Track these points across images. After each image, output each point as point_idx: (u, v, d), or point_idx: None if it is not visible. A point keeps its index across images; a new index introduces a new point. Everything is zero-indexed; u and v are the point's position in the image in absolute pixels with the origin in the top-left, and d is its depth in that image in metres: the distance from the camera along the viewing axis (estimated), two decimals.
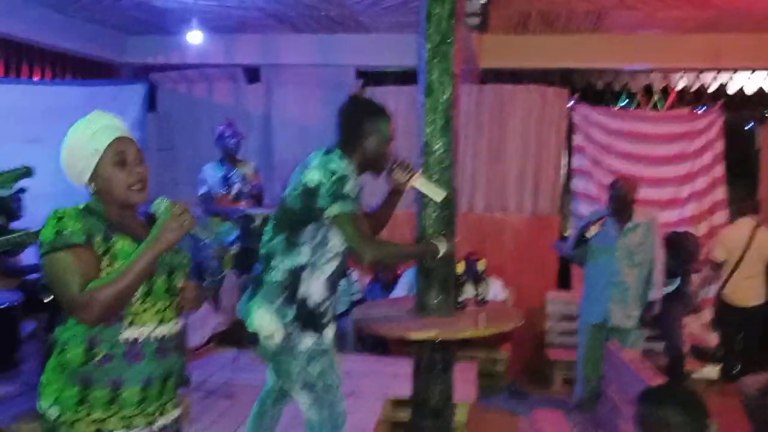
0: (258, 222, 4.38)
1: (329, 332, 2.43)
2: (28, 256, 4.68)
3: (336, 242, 2.38)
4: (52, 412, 1.66)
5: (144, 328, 1.71)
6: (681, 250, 4.23)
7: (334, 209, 2.28)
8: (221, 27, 5.71)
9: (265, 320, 2.35)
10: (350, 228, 2.31)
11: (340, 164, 2.35)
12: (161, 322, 1.74)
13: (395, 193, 2.68)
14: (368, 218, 2.66)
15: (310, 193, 2.31)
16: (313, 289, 2.36)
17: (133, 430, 1.70)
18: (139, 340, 1.69)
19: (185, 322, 1.89)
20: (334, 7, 5.00)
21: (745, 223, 5.07)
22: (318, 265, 2.36)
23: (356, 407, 3.71)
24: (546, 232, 5.82)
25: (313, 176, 2.32)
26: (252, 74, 6.32)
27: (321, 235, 2.35)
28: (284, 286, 2.35)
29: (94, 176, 1.71)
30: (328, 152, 2.42)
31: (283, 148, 6.06)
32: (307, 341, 2.36)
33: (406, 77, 5.87)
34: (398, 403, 3.99)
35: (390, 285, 5.43)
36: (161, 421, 1.77)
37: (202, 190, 4.95)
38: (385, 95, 5.69)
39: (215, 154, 5.13)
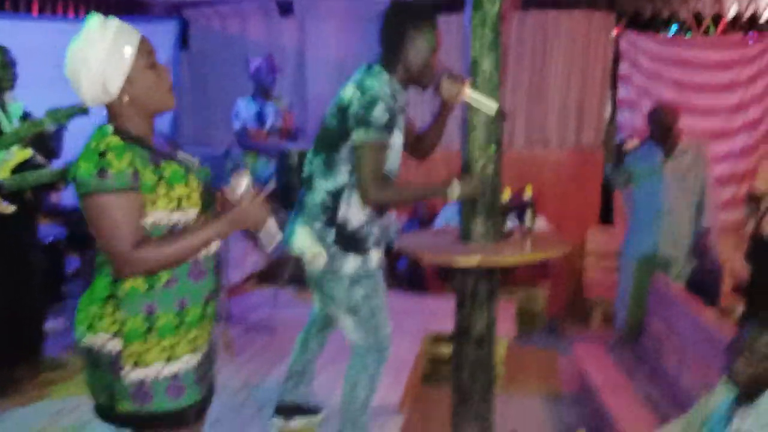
0: (294, 158, 4.33)
1: (374, 256, 2.38)
2: (69, 195, 4.76)
3: None
4: (113, 346, 1.56)
5: None
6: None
7: (358, 135, 2.19)
8: None
9: (307, 242, 2.33)
10: (363, 161, 2.21)
11: (377, 82, 2.24)
12: None
13: (445, 108, 2.51)
14: (419, 137, 2.58)
15: (343, 111, 2.23)
16: (353, 212, 2.31)
17: (198, 351, 1.67)
18: (201, 256, 1.63)
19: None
20: None
21: None
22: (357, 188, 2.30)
23: (395, 342, 3.69)
24: (589, 166, 5.65)
25: (347, 93, 2.24)
26: (286, 8, 6.17)
27: None
28: (324, 207, 2.31)
29: (127, 84, 1.55)
30: (369, 67, 2.32)
31: (317, 84, 5.94)
32: (350, 264, 2.33)
33: (451, 5, 5.64)
34: (437, 339, 4.00)
35: (428, 221, 5.39)
36: (207, 346, 1.76)
37: (237, 125, 4.90)
38: None
39: (249, 89, 5.06)
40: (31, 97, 3.52)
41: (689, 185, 3.93)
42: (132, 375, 1.57)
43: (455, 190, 2.39)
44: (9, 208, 3.11)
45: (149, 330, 1.57)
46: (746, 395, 1.87)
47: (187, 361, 1.63)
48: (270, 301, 4.54)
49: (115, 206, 1.48)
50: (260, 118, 4.89)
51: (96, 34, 1.53)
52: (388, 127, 2.23)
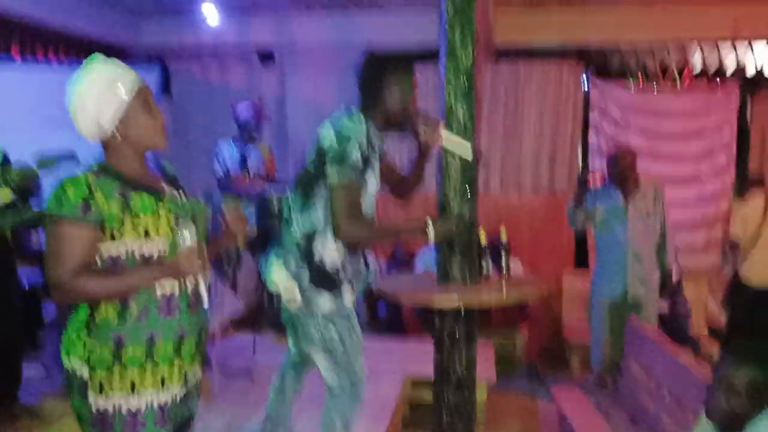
0: (274, 203, 4.37)
1: (348, 296, 2.41)
2: None
3: None
4: (83, 372, 1.63)
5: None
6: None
7: (332, 175, 2.24)
8: (234, 7, 5.68)
9: (283, 281, 2.35)
10: (337, 199, 2.24)
11: (352, 125, 2.29)
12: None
13: (423, 151, 2.57)
14: (400, 181, 2.64)
15: (320, 151, 2.29)
16: (328, 252, 2.34)
17: (168, 387, 1.68)
18: (175, 294, 1.68)
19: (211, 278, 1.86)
20: None
21: (755, 198, 4.94)
22: (332, 230, 2.33)
23: (375, 386, 3.70)
24: (562, 211, 5.70)
25: (325, 133, 2.29)
26: (266, 57, 6.30)
27: None
28: (299, 247, 2.34)
29: (120, 124, 1.66)
30: (348, 110, 2.38)
31: (297, 130, 6.04)
32: (325, 303, 2.35)
33: (422, 57, 5.82)
34: (417, 383, 3.99)
35: (407, 263, 5.43)
36: (193, 380, 1.77)
37: (219, 169, 4.93)
38: None
39: (230, 134, 5.12)
40: (11, 139, 3.53)
41: (652, 225, 4.04)
42: (97, 403, 1.63)
43: (429, 230, 2.42)
44: None
45: (115, 360, 1.62)
46: None
47: (151, 398, 1.65)
48: (249, 347, 4.50)
49: (59, 233, 1.59)
50: (242, 161, 4.94)
51: (95, 74, 1.66)
52: (363, 169, 2.29)
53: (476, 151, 2.66)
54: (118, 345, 1.62)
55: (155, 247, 1.65)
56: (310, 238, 2.33)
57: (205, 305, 1.72)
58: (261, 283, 4.88)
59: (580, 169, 5.95)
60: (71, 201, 1.58)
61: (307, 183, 2.34)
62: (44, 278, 1.67)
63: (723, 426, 1.87)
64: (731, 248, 5.09)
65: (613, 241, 4.11)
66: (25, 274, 4.03)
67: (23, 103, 4.87)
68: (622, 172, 4.05)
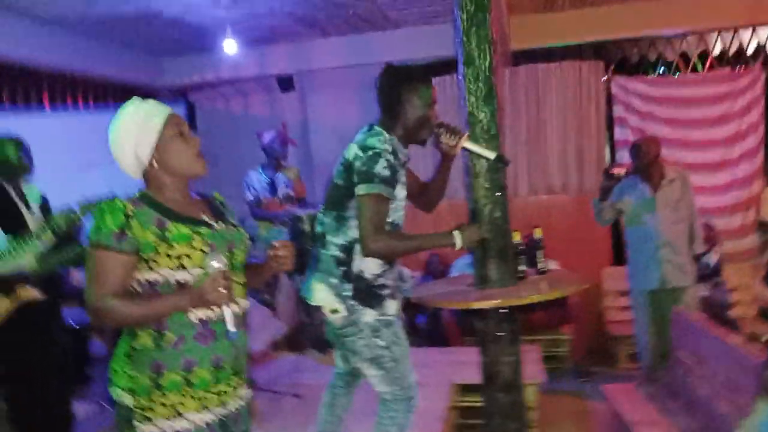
0: (306, 222, 4.43)
1: (392, 305, 2.42)
2: None
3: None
4: (127, 400, 1.67)
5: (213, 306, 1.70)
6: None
7: (359, 189, 2.26)
8: (253, 39, 5.82)
9: (327, 296, 2.37)
10: (363, 212, 2.26)
11: (377, 140, 2.32)
12: (239, 295, 1.76)
13: (446, 159, 2.60)
14: (423, 189, 2.65)
15: (349, 168, 2.32)
16: (366, 264, 2.36)
17: (209, 410, 1.71)
18: (211, 320, 1.70)
19: (250, 303, 1.89)
20: (362, 4, 5.05)
21: None
22: None
23: (422, 396, 3.68)
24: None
25: (351, 152, 2.33)
26: (286, 83, 6.42)
27: None
28: (338, 262, 2.36)
29: (156, 152, 1.73)
30: (370, 128, 2.41)
31: (321, 152, 6.13)
32: (369, 314, 2.36)
33: (438, 68, 5.89)
34: (465, 388, 3.97)
35: (442, 275, 5.42)
36: (234, 403, 1.78)
37: (250, 196, 5.03)
38: None
39: (257, 161, 5.21)
40: (48, 185, 3.65)
41: (681, 214, 3.98)
42: (143, 429, 1.66)
43: (456, 239, 2.41)
44: (38, 295, 3.18)
45: (155, 387, 1.66)
46: None
47: (196, 420, 1.68)
48: (293, 367, 4.53)
49: (96, 259, 1.64)
50: (272, 187, 5.03)
51: (130, 112, 1.75)
52: (391, 181, 2.29)
53: (502, 157, 2.66)
54: (157, 371, 1.66)
55: (190, 276, 1.69)
56: (348, 250, 2.35)
57: (232, 332, 1.70)
58: (300, 304, 4.93)
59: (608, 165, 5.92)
60: (108, 228, 1.63)
61: (338, 202, 2.37)
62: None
63: None
64: (764, 228, 5.10)
65: (644, 233, 4.06)
66: (71, 314, 4.13)
67: (57, 150, 5.02)
68: (647, 162, 3.99)
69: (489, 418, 2.86)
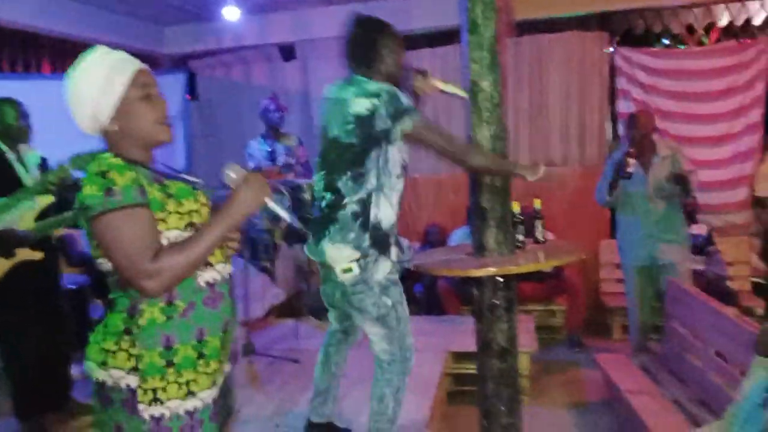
0: (307, 192, 4.44)
1: (395, 251, 2.45)
2: None
3: (397, 161, 2.41)
4: (130, 382, 1.49)
5: (218, 266, 1.61)
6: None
7: (406, 124, 2.30)
8: (255, 7, 5.77)
9: (343, 252, 2.37)
10: (438, 135, 2.39)
11: (376, 84, 2.35)
12: (228, 259, 1.67)
13: (416, 101, 2.64)
14: None
15: (366, 122, 2.30)
16: (384, 211, 2.39)
17: (216, 385, 1.62)
18: (217, 281, 1.60)
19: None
20: None
21: None
22: (386, 188, 2.39)
23: (419, 362, 3.73)
24: (595, 181, 5.69)
25: (360, 104, 2.31)
26: (287, 52, 6.38)
27: (383, 158, 2.36)
28: (356, 216, 2.37)
29: (116, 114, 1.54)
30: (352, 81, 2.41)
31: None
32: (381, 271, 2.40)
33: (440, 39, 5.84)
34: (460, 356, 4.03)
35: (441, 244, 5.45)
36: (227, 368, 1.72)
37: (251, 165, 5.04)
38: (419, 58, 5.69)
39: (259, 131, 5.22)
40: (49, 151, 3.65)
41: (671, 188, 3.92)
42: (150, 412, 1.50)
43: (537, 170, 2.56)
44: (36, 255, 3.21)
45: (168, 365, 1.51)
46: None
47: (205, 397, 1.58)
48: (292, 333, 4.59)
49: (127, 223, 1.43)
50: (272, 156, 5.03)
51: (94, 61, 1.56)
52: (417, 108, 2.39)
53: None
54: (168, 346, 1.51)
55: None
56: (365, 202, 2.37)
57: (287, 219, 1.68)
58: (299, 271, 4.96)
59: (611, 138, 5.90)
60: (126, 186, 1.45)
61: (353, 160, 2.35)
62: (125, 277, 1.47)
63: None
64: (759, 205, 5.14)
65: (634, 209, 4.05)
66: (70, 279, 4.17)
67: (57, 116, 5.00)
68: (641, 135, 3.96)
69: (483, 385, 2.90)
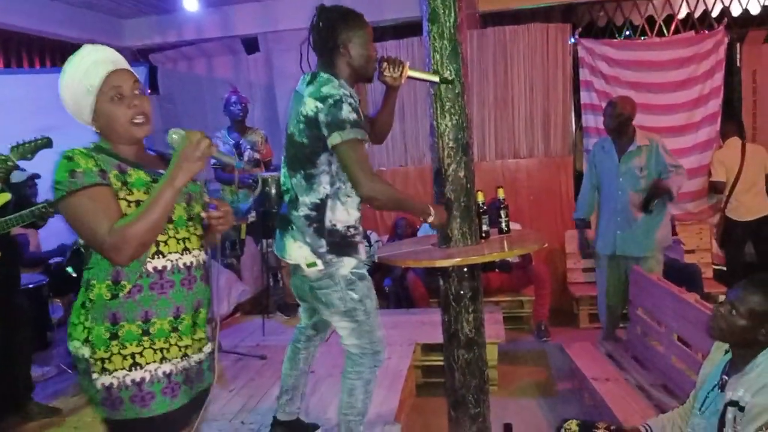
0: (272, 186, 4.38)
1: (362, 250, 2.42)
2: (48, 242, 4.74)
3: None
4: (84, 352, 1.63)
5: (169, 256, 1.68)
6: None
7: (334, 138, 2.23)
8: None
9: (303, 252, 2.36)
10: (350, 158, 2.24)
11: (332, 86, 2.27)
12: (186, 251, 1.71)
13: (391, 91, 2.60)
14: (372, 121, 2.63)
15: (311, 123, 2.26)
16: (339, 215, 2.36)
17: (169, 361, 1.68)
18: (166, 269, 1.67)
19: (210, 255, 1.85)
20: None
21: (734, 142, 5.32)
22: (341, 193, 2.35)
23: (388, 354, 3.72)
24: (560, 172, 5.78)
25: (309, 105, 2.26)
26: (251, 45, 6.30)
27: (336, 164, 2.31)
28: (311, 220, 2.35)
29: (95, 116, 1.68)
30: (314, 77, 2.34)
31: (288, 115, 6.03)
32: (346, 266, 2.37)
33: (405, 30, 5.83)
34: (429, 348, 4.04)
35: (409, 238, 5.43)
36: (196, 356, 1.77)
37: (213, 159, 4.95)
38: (384, 49, 5.66)
39: (222, 125, 5.13)
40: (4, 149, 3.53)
41: (645, 184, 3.89)
42: (100, 381, 1.63)
43: (430, 213, 2.49)
44: None
45: (112, 337, 1.62)
46: (737, 357, 1.91)
47: (154, 370, 1.65)
48: (259, 329, 4.54)
49: (88, 201, 1.56)
50: (237, 150, 4.95)
51: (74, 63, 1.67)
52: (360, 124, 2.27)
53: (446, 78, 2.65)
54: (114, 322, 1.62)
55: None
56: (319, 207, 2.34)
57: (233, 163, 1.78)
58: (266, 268, 4.91)
59: (575, 129, 5.96)
60: (89, 169, 1.58)
61: (305, 159, 2.32)
62: (96, 251, 1.60)
63: (734, 344, 1.91)
64: (715, 191, 5.29)
65: (607, 197, 4.07)
66: (28, 278, 4.06)
67: (13, 111, 4.87)
68: (618, 122, 3.95)
69: (450, 375, 2.89)
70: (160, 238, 1.66)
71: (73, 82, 1.65)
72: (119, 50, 1.79)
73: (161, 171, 1.71)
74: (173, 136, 1.64)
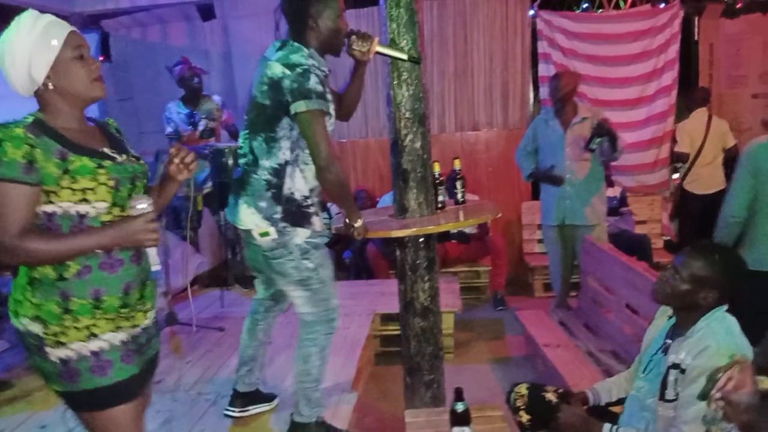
0: (229, 157, 4.32)
1: (318, 221, 2.42)
2: None
3: None
4: (35, 329, 1.62)
5: None
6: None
7: (299, 106, 2.22)
8: None
9: (256, 219, 2.35)
10: (311, 127, 2.23)
11: (301, 55, 2.27)
12: None
13: (359, 65, 2.59)
14: (340, 97, 2.62)
15: (276, 86, 2.25)
16: (298, 183, 2.35)
17: (123, 330, 1.69)
18: (114, 249, 1.66)
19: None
20: None
21: (701, 114, 5.43)
22: (300, 160, 2.34)
23: (346, 324, 3.78)
24: (518, 144, 5.83)
25: (275, 69, 2.25)
26: (206, 11, 6.13)
27: (297, 131, 2.30)
28: (270, 185, 2.33)
29: (52, 74, 1.62)
30: (284, 44, 2.34)
31: (246, 83, 5.92)
32: (300, 235, 2.36)
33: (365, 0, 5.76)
34: (388, 317, 4.08)
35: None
36: (145, 322, 1.78)
37: (168, 129, 4.86)
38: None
39: (177, 94, 5.02)
40: None
41: (588, 154, 3.97)
42: (56, 354, 1.62)
43: (360, 217, 2.48)
44: None
45: (65, 311, 1.61)
46: (680, 321, 1.98)
47: (110, 339, 1.66)
48: (217, 301, 4.52)
49: (1, 194, 1.53)
50: (191, 120, 4.85)
51: (26, 26, 1.60)
52: (325, 96, 2.27)
53: (414, 57, 2.64)
54: (64, 298, 1.62)
55: (94, 210, 1.63)
56: (279, 172, 2.33)
57: (155, 270, 1.71)
58: (224, 239, 4.87)
59: (532, 101, 6.01)
60: (12, 159, 1.52)
61: (267, 122, 2.31)
62: None
63: (675, 308, 1.98)
64: (679, 161, 5.41)
65: (550, 169, 4.12)
66: None
67: None
68: (561, 96, 4.02)
69: (406, 343, 2.94)
70: (105, 218, 1.65)
71: (29, 41, 1.59)
72: (69, 16, 1.75)
73: (104, 150, 1.69)
74: (137, 205, 1.63)
